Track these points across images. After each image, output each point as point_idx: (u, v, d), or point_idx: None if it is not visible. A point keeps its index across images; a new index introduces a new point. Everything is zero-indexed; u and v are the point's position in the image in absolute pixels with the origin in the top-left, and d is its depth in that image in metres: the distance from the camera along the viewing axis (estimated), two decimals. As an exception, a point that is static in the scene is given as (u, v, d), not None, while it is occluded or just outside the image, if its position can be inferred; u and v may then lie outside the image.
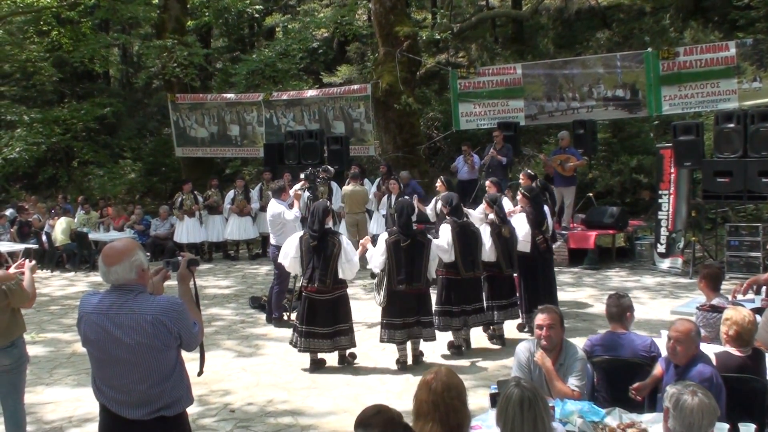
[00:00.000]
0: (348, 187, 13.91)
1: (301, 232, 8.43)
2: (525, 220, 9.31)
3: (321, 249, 7.99)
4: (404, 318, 8.11)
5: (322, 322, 8.02)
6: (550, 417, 3.80)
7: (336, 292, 8.09)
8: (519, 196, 9.68)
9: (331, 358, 8.36)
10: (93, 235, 16.23)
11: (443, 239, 8.44)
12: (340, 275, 8.04)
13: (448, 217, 8.70)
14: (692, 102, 14.79)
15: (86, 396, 7.34)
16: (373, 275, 10.90)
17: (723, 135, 12.24)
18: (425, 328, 8.22)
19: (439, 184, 10.71)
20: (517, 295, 9.33)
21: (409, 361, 8.29)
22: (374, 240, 9.08)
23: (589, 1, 24.59)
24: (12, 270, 5.97)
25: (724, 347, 5.35)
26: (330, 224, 8.26)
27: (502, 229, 8.79)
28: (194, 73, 20.97)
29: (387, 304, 8.11)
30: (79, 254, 16.02)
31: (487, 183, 10.61)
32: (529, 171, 11.08)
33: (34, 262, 6.23)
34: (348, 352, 8.39)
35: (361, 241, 8.51)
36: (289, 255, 8.25)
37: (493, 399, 4.56)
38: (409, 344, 8.30)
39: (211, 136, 20.02)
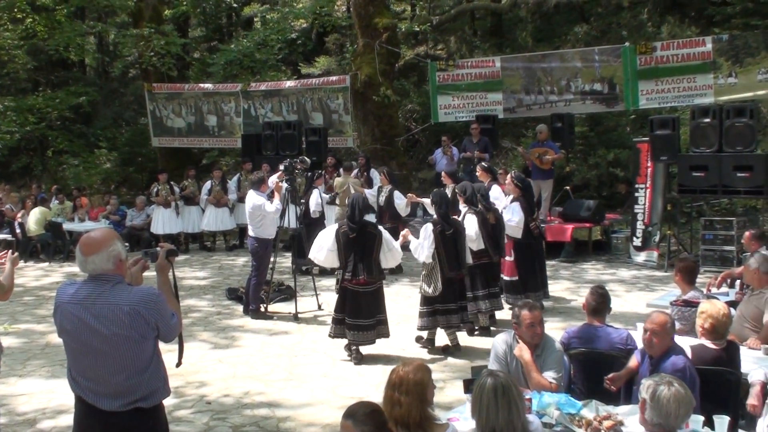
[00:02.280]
0: (340, 179, 13.84)
1: (336, 225, 8.44)
2: (519, 207, 9.47)
3: (361, 241, 8.03)
4: (459, 302, 8.37)
5: (366, 314, 8.10)
6: (524, 404, 3.85)
7: (377, 284, 8.21)
8: (511, 186, 9.77)
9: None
10: (67, 226, 16.08)
11: (471, 229, 8.64)
12: (384, 265, 8.24)
13: (465, 207, 8.90)
14: (669, 96, 14.89)
15: (60, 388, 7.29)
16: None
17: (699, 130, 12.35)
18: (464, 312, 8.51)
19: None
20: (508, 279, 9.63)
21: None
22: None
23: (567, -5, 24.64)
24: None
25: (700, 340, 5.39)
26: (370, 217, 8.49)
27: (486, 216, 8.87)
28: (171, 63, 20.77)
29: (442, 291, 8.18)
30: (53, 244, 15.86)
31: (479, 170, 10.88)
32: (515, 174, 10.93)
33: (16, 254, 6.15)
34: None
35: (402, 233, 8.56)
36: (325, 248, 8.19)
37: (467, 385, 4.58)
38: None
39: (188, 126, 19.88)
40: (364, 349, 8.25)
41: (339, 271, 8.43)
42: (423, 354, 8.38)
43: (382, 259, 8.14)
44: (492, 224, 8.97)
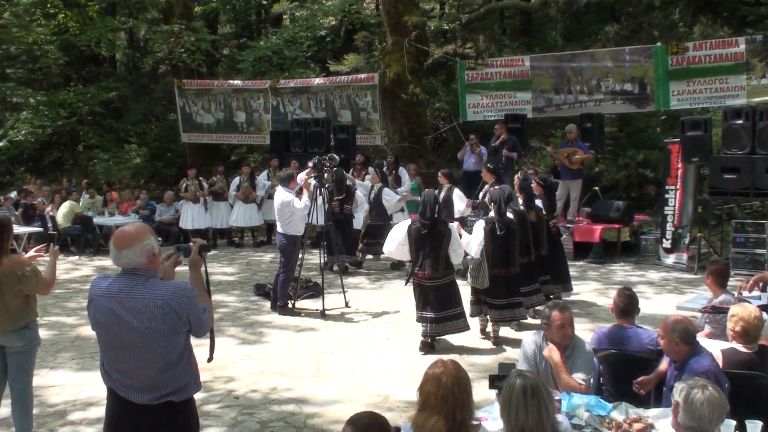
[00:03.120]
0: (369, 177, 13.86)
1: (409, 221, 8.73)
2: (541, 206, 9.76)
3: (431, 237, 8.28)
4: (508, 299, 8.68)
5: (433, 308, 8.31)
6: (554, 405, 3.81)
7: (447, 278, 8.38)
8: (534, 185, 10.05)
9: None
10: (98, 219, 16.25)
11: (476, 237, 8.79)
12: (453, 261, 8.45)
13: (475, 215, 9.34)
14: (700, 98, 14.73)
15: (90, 380, 7.37)
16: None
17: (731, 131, 12.20)
18: (517, 308, 8.79)
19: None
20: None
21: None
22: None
23: (598, -6, 24.47)
24: (31, 253, 5.98)
25: (731, 344, 5.34)
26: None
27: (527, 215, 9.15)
28: (201, 59, 20.91)
29: (490, 286, 8.56)
30: (83, 238, 16.01)
31: (483, 171, 11.30)
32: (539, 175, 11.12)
33: (57, 247, 6.24)
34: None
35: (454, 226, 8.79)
36: (396, 241, 8.57)
37: (492, 381, 4.56)
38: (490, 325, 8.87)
39: (217, 122, 19.97)
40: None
41: (409, 264, 8.85)
42: (451, 345, 8.38)
43: (451, 254, 8.36)
44: (533, 222, 9.30)
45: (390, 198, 12.70)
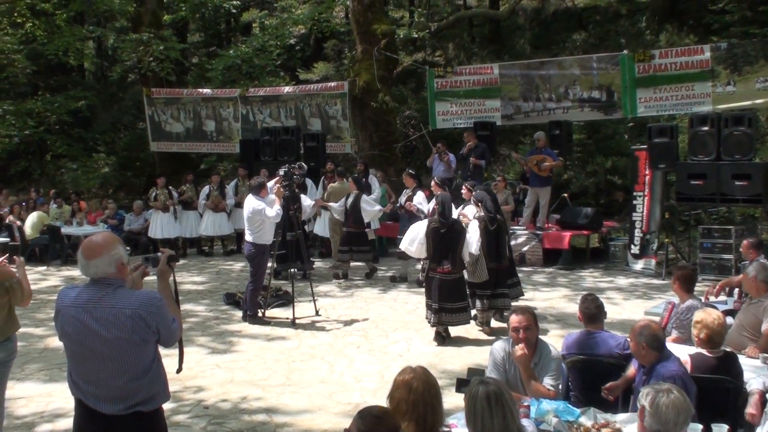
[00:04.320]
0: (335, 185, 13.88)
1: (426, 221, 9.29)
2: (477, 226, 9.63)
3: (449, 236, 8.93)
4: (495, 289, 9.51)
5: (451, 299, 8.95)
6: (517, 409, 3.84)
7: (459, 273, 9.05)
8: (465, 191, 10.69)
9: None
10: (66, 229, 16.08)
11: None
12: (465, 258, 9.04)
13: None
14: (667, 105, 14.90)
15: (58, 391, 7.29)
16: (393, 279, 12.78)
17: (697, 138, 12.37)
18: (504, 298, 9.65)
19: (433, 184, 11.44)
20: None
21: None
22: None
23: (565, 2, 24.74)
24: None
25: (698, 349, 5.40)
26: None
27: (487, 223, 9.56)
28: (170, 68, 20.78)
29: (488, 279, 9.32)
30: (51, 248, 15.84)
31: (404, 176, 12.47)
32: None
33: (22, 258, 6.16)
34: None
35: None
36: (417, 240, 9.11)
37: (460, 385, 4.57)
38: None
39: (186, 131, 19.88)
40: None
41: (425, 261, 9.33)
42: (421, 353, 8.39)
43: (465, 253, 8.99)
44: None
45: (369, 208, 12.69)
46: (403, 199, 12.68)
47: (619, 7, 23.36)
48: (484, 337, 9.20)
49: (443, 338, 9.05)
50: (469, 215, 10.58)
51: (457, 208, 10.35)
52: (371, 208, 12.76)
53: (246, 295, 10.38)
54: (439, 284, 8.95)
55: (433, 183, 11.47)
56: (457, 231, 9.01)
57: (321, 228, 14.83)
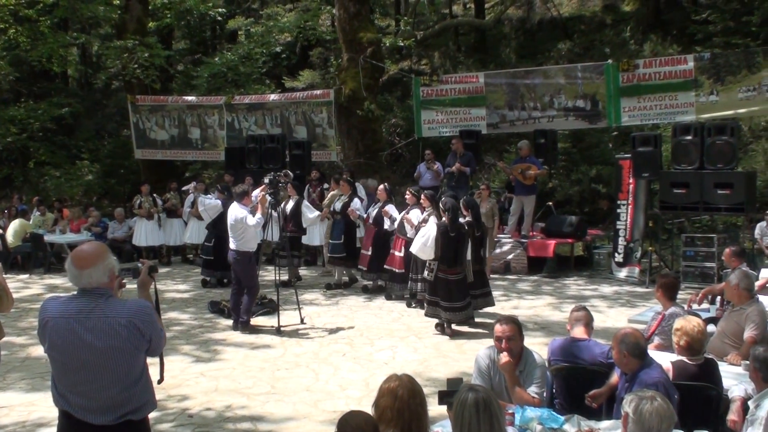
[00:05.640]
0: (335, 192, 13.87)
1: (434, 226, 9.70)
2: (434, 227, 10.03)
3: (456, 238, 9.57)
4: (462, 301, 9.87)
5: (457, 298, 9.61)
6: (504, 418, 3.85)
7: (464, 273, 9.71)
8: (409, 196, 11.45)
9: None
10: (49, 237, 15.97)
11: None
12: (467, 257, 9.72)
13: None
14: (651, 114, 14.99)
15: (40, 401, 7.23)
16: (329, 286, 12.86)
17: (680, 147, 12.44)
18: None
19: (409, 195, 11.63)
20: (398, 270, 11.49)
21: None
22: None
23: (550, 11, 24.88)
24: None
25: (679, 356, 5.42)
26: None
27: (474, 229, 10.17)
28: (155, 75, 20.75)
29: (445, 289, 9.72)
30: (34, 256, 15.73)
31: (341, 182, 12.92)
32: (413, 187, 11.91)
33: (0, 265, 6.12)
34: None
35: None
36: (428, 244, 9.57)
37: (442, 397, 4.57)
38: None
39: (171, 138, 19.83)
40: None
41: (432, 262, 9.71)
42: (406, 361, 8.39)
43: (467, 255, 9.68)
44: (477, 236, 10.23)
45: (309, 213, 12.83)
46: (338, 204, 12.72)
47: (603, 16, 23.54)
48: (469, 345, 9.18)
49: (451, 333, 9.66)
50: (414, 220, 10.80)
51: (400, 213, 11.45)
52: (311, 214, 12.86)
53: (232, 302, 10.33)
54: (445, 284, 9.58)
55: (408, 194, 11.63)
56: (463, 234, 9.69)
57: (307, 237, 14.82)
